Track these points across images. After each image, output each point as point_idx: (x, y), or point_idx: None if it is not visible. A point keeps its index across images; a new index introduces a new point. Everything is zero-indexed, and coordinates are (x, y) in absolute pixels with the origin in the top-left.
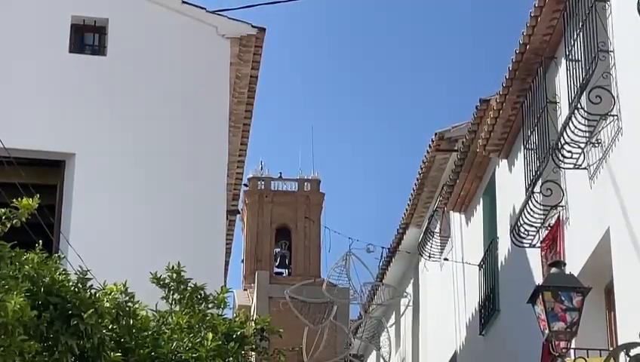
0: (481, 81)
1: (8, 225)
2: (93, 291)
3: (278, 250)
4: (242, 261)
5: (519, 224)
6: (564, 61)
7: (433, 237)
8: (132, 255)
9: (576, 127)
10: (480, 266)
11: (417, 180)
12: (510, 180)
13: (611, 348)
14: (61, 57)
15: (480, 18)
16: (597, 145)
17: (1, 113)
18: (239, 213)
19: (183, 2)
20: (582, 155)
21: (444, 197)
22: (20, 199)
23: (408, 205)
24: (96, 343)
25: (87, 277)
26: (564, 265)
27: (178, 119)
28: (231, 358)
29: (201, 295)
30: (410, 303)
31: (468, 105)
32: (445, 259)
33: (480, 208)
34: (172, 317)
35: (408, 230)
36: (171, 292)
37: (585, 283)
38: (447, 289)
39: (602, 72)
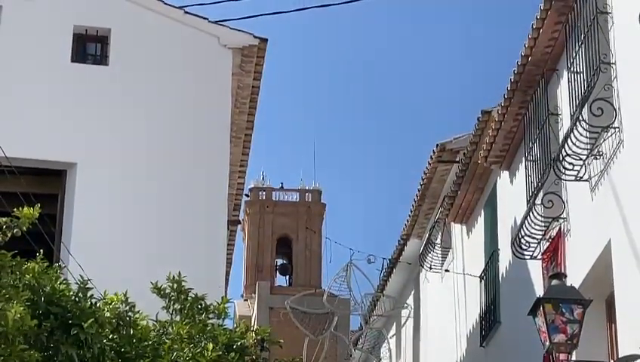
0: (482, 92)
1: (9, 234)
2: (93, 301)
3: (279, 260)
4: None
5: (520, 236)
6: (565, 73)
7: (434, 248)
8: (133, 264)
9: (577, 139)
10: (481, 278)
11: (418, 191)
12: (511, 192)
13: (612, 361)
14: (63, 67)
15: (482, 29)
16: (598, 157)
17: (2, 122)
18: (240, 223)
19: (185, 12)
20: (583, 167)
21: (445, 208)
22: (21, 208)
23: (409, 216)
24: (97, 353)
25: (87, 286)
26: (565, 277)
27: (179, 129)
28: None
29: (201, 305)
30: (411, 314)
31: (469, 116)
32: (446, 271)
33: (481, 219)
34: (172, 328)
35: (409, 241)
36: (172, 302)
37: (586, 295)
38: (447, 301)
39: (604, 84)
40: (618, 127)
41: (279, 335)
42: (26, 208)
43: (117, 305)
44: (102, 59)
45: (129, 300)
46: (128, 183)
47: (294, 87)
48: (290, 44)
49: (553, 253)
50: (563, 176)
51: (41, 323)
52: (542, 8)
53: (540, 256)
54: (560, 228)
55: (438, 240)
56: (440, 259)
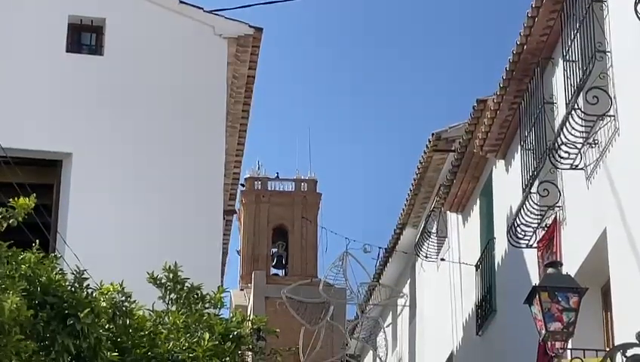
0: (478, 81)
1: (5, 225)
2: (89, 291)
3: (274, 250)
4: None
5: (516, 224)
6: (561, 61)
7: (430, 237)
8: (129, 255)
9: (573, 128)
10: (477, 266)
11: (414, 180)
12: (507, 180)
13: (608, 349)
14: (58, 57)
15: (477, 18)
16: (594, 145)
17: None
18: (236, 213)
19: (181, 2)
20: (579, 156)
21: (441, 197)
22: (16, 199)
23: (405, 205)
24: (93, 343)
25: (83, 276)
26: (561, 265)
27: (175, 119)
28: (227, 358)
29: (197, 295)
30: (407, 303)
31: (465, 105)
32: (442, 260)
33: (477, 208)
34: (169, 317)
35: (405, 230)
36: (168, 292)
37: (581, 283)
38: (443, 290)
39: (599, 73)
40: (613, 116)
41: (275, 324)
42: (21, 198)
43: (113, 295)
44: (97, 49)
45: (125, 290)
46: (124, 173)
47: (290, 77)
48: (285, 33)
49: (549, 242)
50: (558, 165)
51: (38, 313)
52: None
53: (535, 245)
54: (556, 217)
55: (434, 229)
56: (436, 248)
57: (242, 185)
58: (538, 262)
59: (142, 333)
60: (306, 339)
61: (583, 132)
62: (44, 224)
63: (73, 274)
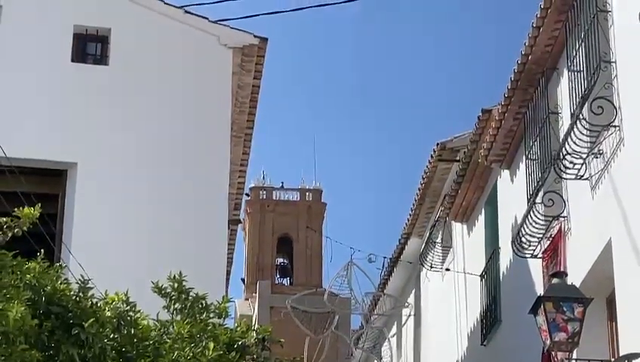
0: (483, 91)
1: (10, 234)
2: (94, 300)
3: (279, 259)
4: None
5: (521, 234)
6: (566, 72)
7: (435, 247)
8: (133, 264)
9: (578, 138)
10: (481, 276)
11: (419, 190)
12: (512, 190)
13: (613, 359)
14: (63, 66)
15: (482, 28)
16: (599, 155)
17: (3, 122)
18: (241, 222)
19: (186, 12)
20: (584, 166)
21: (445, 207)
22: (21, 208)
23: (410, 215)
24: (98, 352)
25: (88, 286)
26: (566, 275)
27: (180, 129)
28: None
29: (202, 304)
30: (412, 313)
31: (470, 115)
32: (447, 270)
33: (482, 218)
34: (173, 327)
35: (410, 240)
36: (173, 301)
37: (586, 293)
38: (448, 300)
39: (604, 83)
40: (618, 126)
41: (280, 334)
42: (26, 208)
43: (118, 305)
44: (102, 59)
45: (130, 300)
46: (129, 183)
47: (295, 86)
48: (290, 43)
49: (554, 252)
50: (563, 175)
51: (42, 322)
52: (542, 7)
53: (540, 255)
54: (560, 227)
55: (439, 239)
56: (441, 257)
57: (247, 195)
58: (543, 272)
59: (146, 343)
60: (311, 349)
61: (587, 142)
62: (48, 233)
63: (78, 283)
